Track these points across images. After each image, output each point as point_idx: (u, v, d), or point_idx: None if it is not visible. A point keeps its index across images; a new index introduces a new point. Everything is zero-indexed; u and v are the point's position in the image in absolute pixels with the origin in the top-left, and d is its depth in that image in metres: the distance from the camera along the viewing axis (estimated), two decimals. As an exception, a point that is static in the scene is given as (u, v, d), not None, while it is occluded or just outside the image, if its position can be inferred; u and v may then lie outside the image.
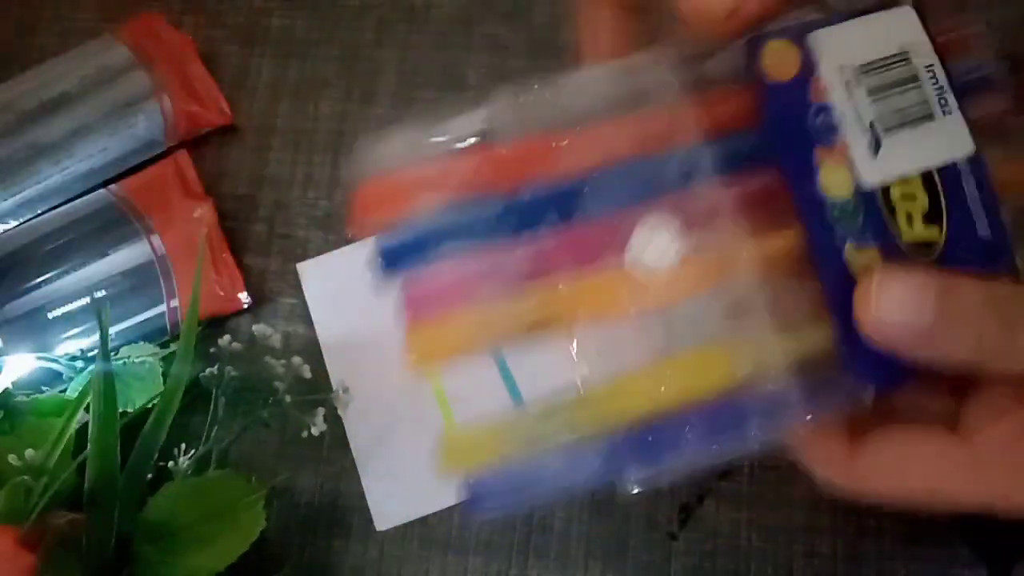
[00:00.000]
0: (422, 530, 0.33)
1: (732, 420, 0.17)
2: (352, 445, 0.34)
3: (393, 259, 0.19)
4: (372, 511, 0.33)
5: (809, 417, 0.17)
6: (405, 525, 0.33)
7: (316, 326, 0.35)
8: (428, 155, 0.18)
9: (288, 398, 0.31)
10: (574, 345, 0.18)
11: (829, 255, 0.17)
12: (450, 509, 0.33)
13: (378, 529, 0.33)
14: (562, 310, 0.17)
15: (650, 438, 0.17)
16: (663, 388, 0.17)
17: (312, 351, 0.35)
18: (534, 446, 0.17)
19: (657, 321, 0.17)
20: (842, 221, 0.17)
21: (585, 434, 0.17)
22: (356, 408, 0.33)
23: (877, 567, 0.31)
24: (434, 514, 0.33)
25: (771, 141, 0.18)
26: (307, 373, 0.32)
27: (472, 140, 0.18)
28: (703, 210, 0.17)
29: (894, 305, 0.16)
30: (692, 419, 0.17)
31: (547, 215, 0.17)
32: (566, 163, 0.17)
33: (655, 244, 0.17)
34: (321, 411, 0.31)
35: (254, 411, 0.31)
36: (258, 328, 0.32)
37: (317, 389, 0.34)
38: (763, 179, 0.18)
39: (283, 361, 0.31)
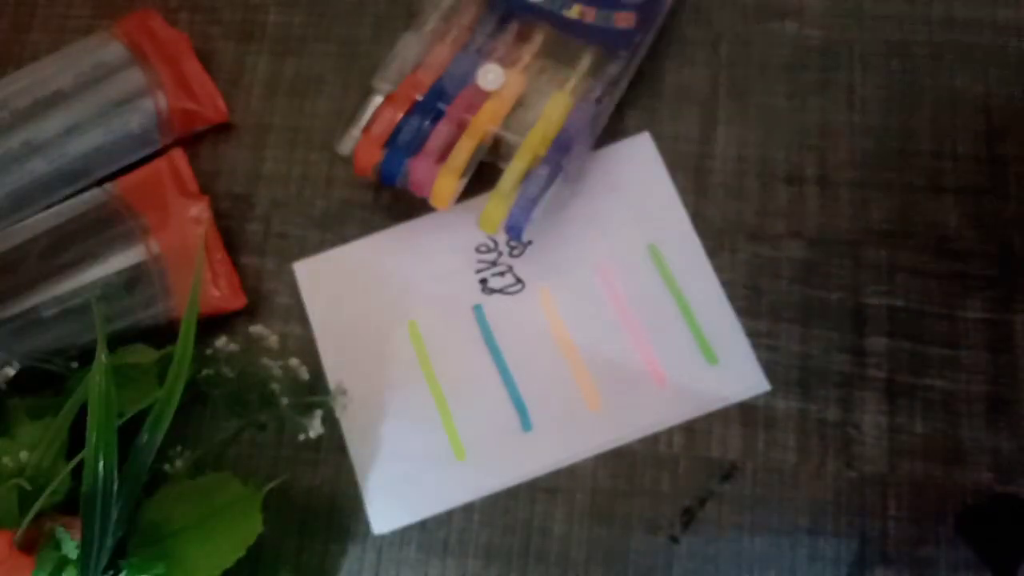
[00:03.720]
0: (420, 534, 0.33)
1: None
2: (349, 446, 0.33)
3: (390, 176, 0.34)
4: (369, 513, 0.33)
5: None
6: (403, 529, 0.33)
7: (312, 325, 0.35)
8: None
9: (285, 400, 0.31)
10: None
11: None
12: (448, 513, 0.33)
13: (375, 532, 0.33)
14: (480, 125, 0.34)
15: None
16: None
17: (309, 352, 0.35)
18: None
19: None
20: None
21: None
22: (353, 409, 0.33)
23: (881, 571, 0.31)
24: (433, 518, 0.33)
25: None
26: (304, 375, 0.31)
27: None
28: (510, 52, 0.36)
29: None
30: None
31: (444, 95, 0.34)
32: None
33: (490, 75, 0.34)
34: (319, 413, 0.31)
35: (251, 413, 0.30)
36: (255, 329, 0.31)
37: (315, 391, 0.33)
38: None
39: (280, 362, 0.31)
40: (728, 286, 0.34)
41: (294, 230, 0.37)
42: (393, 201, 0.37)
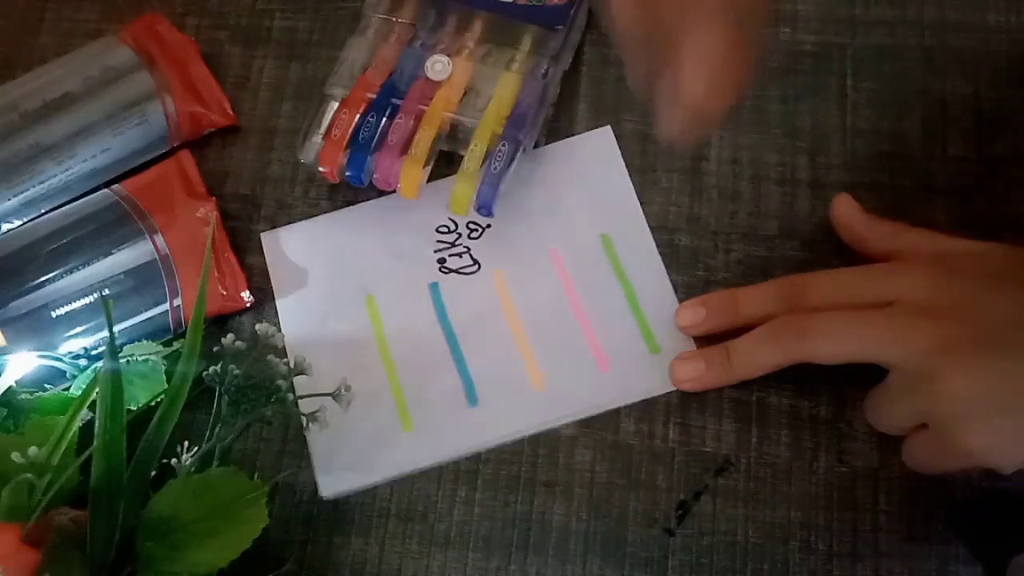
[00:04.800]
0: (422, 527, 0.33)
1: None
2: (303, 412, 0.33)
3: (356, 175, 0.35)
4: (318, 479, 0.34)
5: None
6: (405, 522, 0.33)
7: (277, 298, 0.36)
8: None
9: (290, 396, 0.31)
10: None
11: None
12: (450, 506, 0.33)
13: (323, 496, 0.33)
14: (436, 114, 0.35)
15: None
16: None
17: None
18: None
19: None
20: None
21: None
22: (310, 378, 0.33)
23: (873, 564, 0.31)
24: (434, 511, 0.33)
25: None
26: (309, 371, 0.32)
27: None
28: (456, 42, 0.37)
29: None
30: None
31: (396, 91, 0.36)
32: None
33: (437, 66, 0.36)
34: (323, 409, 0.31)
35: (256, 409, 0.31)
36: (260, 327, 0.32)
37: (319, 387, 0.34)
38: None
39: (285, 359, 0.32)
40: (722, 286, 0.35)
41: (299, 230, 0.38)
42: (395, 202, 0.37)
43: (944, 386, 0.27)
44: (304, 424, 0.32)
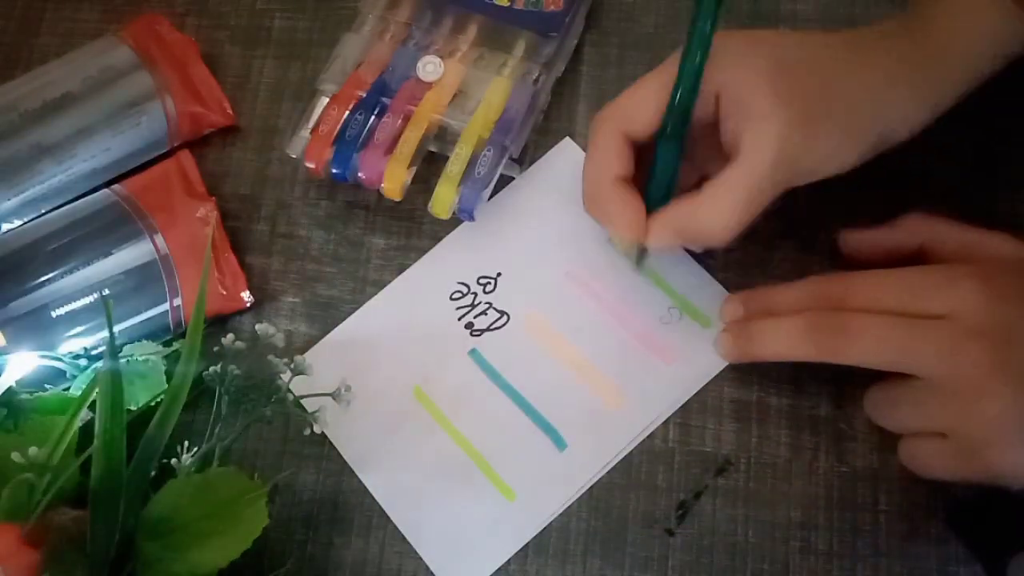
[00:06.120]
0: (423, 527, 0.33)
1: None
2: (399, 525, 0.33)
3: (341, 172, 0.35)
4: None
5: None
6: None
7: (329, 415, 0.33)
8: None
9: (290, 396, 0.31)
10: None
11: None
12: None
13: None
14: (424, 115, 0.35)
15: None
16: None
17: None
18: None
19: None
20: None
21: None
22: (390, 489, 0.33)
23: (872, 564, 0.31)
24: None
25: None
26: (309, 371, 0.32)
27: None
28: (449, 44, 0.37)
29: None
30: None
31: (387, 89, 0.36)
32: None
33: (429, 67, 0.36)
34: (323, 409, 0.31)
35: (257, 409, 0.31)
36: (260, 327, 0.32)
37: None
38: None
39: (285, 359, 0.32)
40: (723, 285, 0.35)
41: (299, 231, 0.38)
42: (393, 204, 0.37)
43: (982, 408, 0.27)
44: (309, 424, 0.32)
